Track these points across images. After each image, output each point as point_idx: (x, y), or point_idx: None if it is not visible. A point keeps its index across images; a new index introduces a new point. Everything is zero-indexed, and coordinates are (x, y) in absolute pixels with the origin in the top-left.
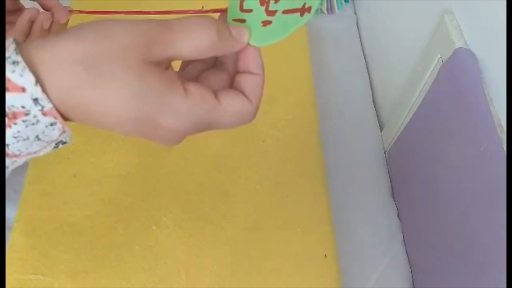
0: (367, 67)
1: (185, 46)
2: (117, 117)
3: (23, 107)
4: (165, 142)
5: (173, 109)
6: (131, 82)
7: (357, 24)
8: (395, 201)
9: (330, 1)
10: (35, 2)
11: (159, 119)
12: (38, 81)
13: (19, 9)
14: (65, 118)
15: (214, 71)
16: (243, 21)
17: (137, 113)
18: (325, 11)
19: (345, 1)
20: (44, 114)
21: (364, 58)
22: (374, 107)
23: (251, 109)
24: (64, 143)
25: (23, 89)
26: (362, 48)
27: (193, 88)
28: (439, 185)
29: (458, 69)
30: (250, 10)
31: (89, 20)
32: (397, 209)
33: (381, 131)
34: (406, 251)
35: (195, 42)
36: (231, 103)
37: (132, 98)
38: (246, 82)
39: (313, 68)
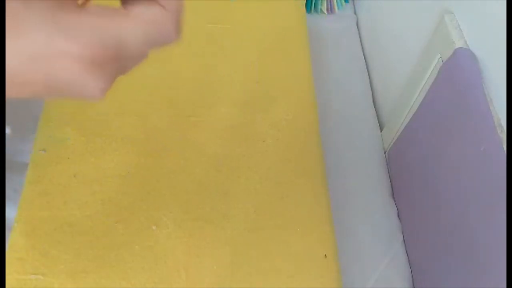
0: (367, 67)
1: None
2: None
3: None
4: (84, 85)
5: (67, 27)
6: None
7: (357, 24)
8: (395, 201)
9: (330, 1)
10: None
11: (54, 43)
12: None
13: None
14: None
15: None
16: None
17: (21, 39)
18: (325, 11)
19: (345, 1)
20: None
21: (364, 58)
22: (374, 107)
23: (168, 17)
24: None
25: None
26: (362, 48)
27: (89, 2)
28: (439, 185)
29: (458, 69)
30: None
31: None
32: (397, 209)
33: (381, 131)
34: (406, 251)
35: None
36: (140, 11)
37: (12, 21)
38: None
39: (313, 68)
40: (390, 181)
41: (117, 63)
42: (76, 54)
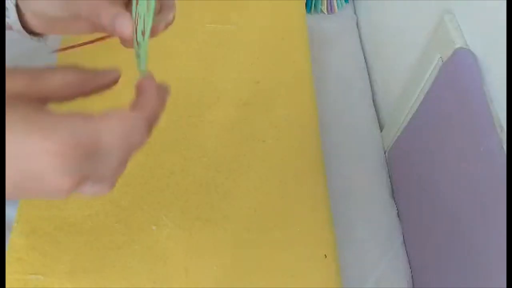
0: (367, 67)
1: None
2: None
3: None
4: (51, 179)
5: (43, 126)
6: None
7: (357, 24)
8: (395, 201)
9: (330, 1)
10: None
11: (30, 140)
12: None
13: None
14: None
15: None
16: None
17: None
18: (325, 11)
19: (345, 1)
20: None
21: (364, 58)
22: (374, 107)
23: (142, 121)
24: None
25: None
26: (362, 48)
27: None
28: (439, 185)
29: (458, 69)
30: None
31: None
32: (397, 209)
33: (381, 131)
34: (406, 251)
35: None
36: (116, 113)
37: None
38: None
39: (313, 68)
40: (390, 181)
41: (88, 161)
42: (49, 149)
